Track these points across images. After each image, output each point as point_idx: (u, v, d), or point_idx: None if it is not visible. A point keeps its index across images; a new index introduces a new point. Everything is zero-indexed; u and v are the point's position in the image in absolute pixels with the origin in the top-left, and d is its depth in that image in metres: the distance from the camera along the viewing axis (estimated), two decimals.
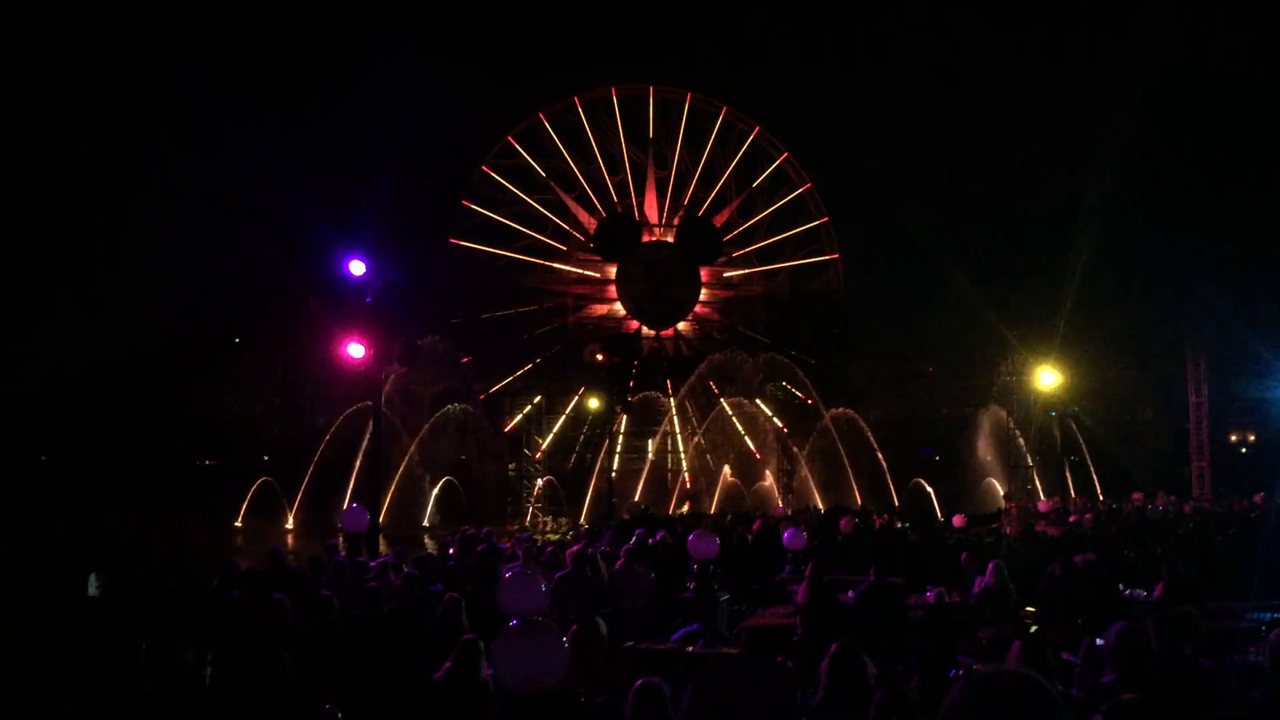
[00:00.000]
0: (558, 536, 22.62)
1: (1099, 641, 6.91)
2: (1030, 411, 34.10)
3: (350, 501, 13.42)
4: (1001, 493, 31.99)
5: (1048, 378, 29.31)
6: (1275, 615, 9.65)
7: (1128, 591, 10.91)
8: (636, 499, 32.04)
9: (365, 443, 31.68)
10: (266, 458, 36.85)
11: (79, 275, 35.88)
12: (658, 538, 15.49)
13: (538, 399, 43.75)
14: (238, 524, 32.19)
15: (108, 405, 36.02)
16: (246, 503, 33.45)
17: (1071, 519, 21.51)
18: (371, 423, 30.69)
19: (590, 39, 43.33)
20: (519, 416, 43.23)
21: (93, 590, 10.32)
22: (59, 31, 33.59)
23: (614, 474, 35.98)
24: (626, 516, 24.30)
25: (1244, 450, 43.96)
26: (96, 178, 35.43)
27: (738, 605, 12.12)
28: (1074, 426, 34.18)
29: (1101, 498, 30.23)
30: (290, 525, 32.08)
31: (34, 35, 33.17)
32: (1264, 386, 35.37)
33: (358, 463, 31.33)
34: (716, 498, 36.59)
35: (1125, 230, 30.80)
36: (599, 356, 39.47)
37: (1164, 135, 30.81)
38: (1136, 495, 26.09)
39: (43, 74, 33.50)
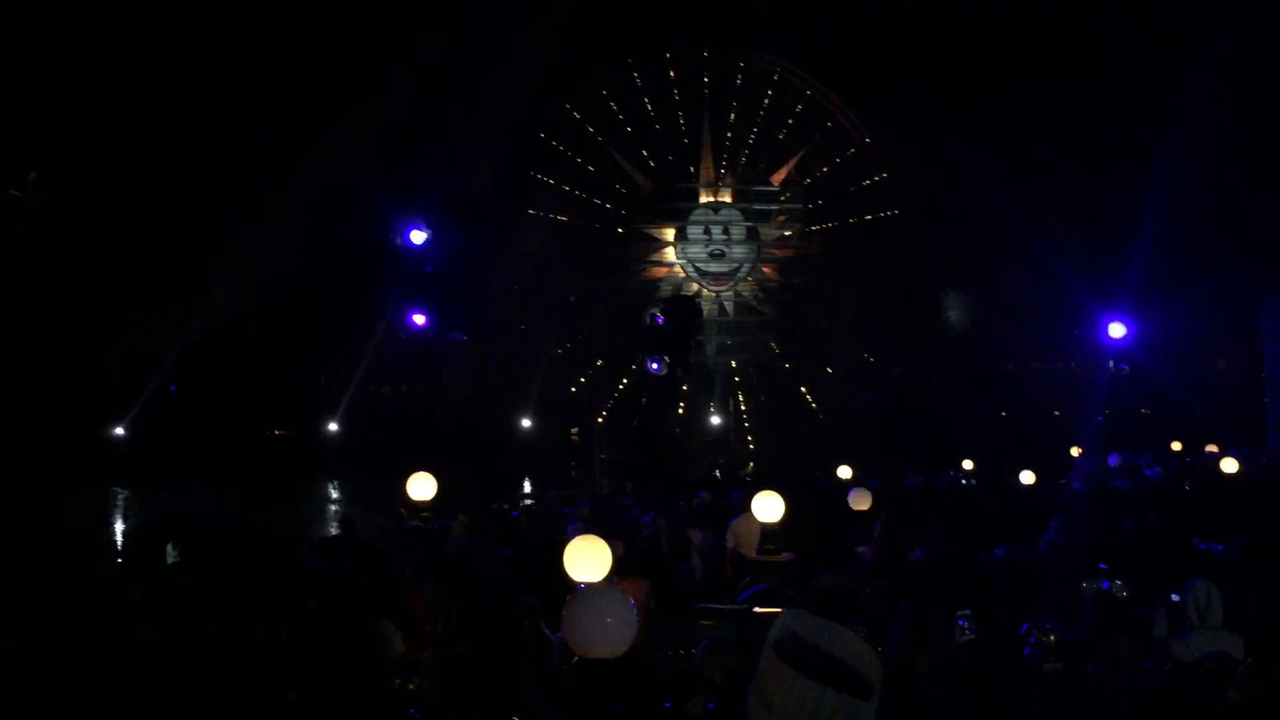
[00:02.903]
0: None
1: (1175, 598, 6.81)
2: (1099, 364, 33.44)
3: (417, 469, 13.59)
4: (1071, 448, 31.49)
5: (1117, 329, 28.71)
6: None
7: (1203, 546, 10.72)
8: (701, 461, 32.12)
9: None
10: (335, 427, 37.39)
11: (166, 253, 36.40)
12: (734, 498, 15.56)
13: (599, 362, 43.90)
14: (306, 494, 32.76)
15: (186, 379, 36.78)
16: (316, 473, 34.10)
17: (1145, 472, 21.16)
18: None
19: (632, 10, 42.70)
20: (581, 379, 43.44)
21: (171, 560, 10.60)
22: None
23: (677, 435, 36.05)
24: (692, 478, 24.38)
25: None
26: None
27: (803, 566, 12.10)
28: (1144, 378, 33.49)
29: (1174, 450, 29.65)
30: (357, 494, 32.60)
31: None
32: None
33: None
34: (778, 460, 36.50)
35: (1201, 176, 29.93)
36: (658, 319, 39.42)
37: (1245, 72, 29.71)
38: (1211, 447, 25.53)
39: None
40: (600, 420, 40.31)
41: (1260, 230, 30.21)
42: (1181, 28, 30.61)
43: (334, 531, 17.74)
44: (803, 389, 44.70)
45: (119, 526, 25.00)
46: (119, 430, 36.43)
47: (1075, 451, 26.78)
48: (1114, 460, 23.09)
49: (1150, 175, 30.32)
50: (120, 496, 31.31)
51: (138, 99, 34.47)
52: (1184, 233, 31.71)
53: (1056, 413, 37.16)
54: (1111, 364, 32.53)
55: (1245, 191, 30.37)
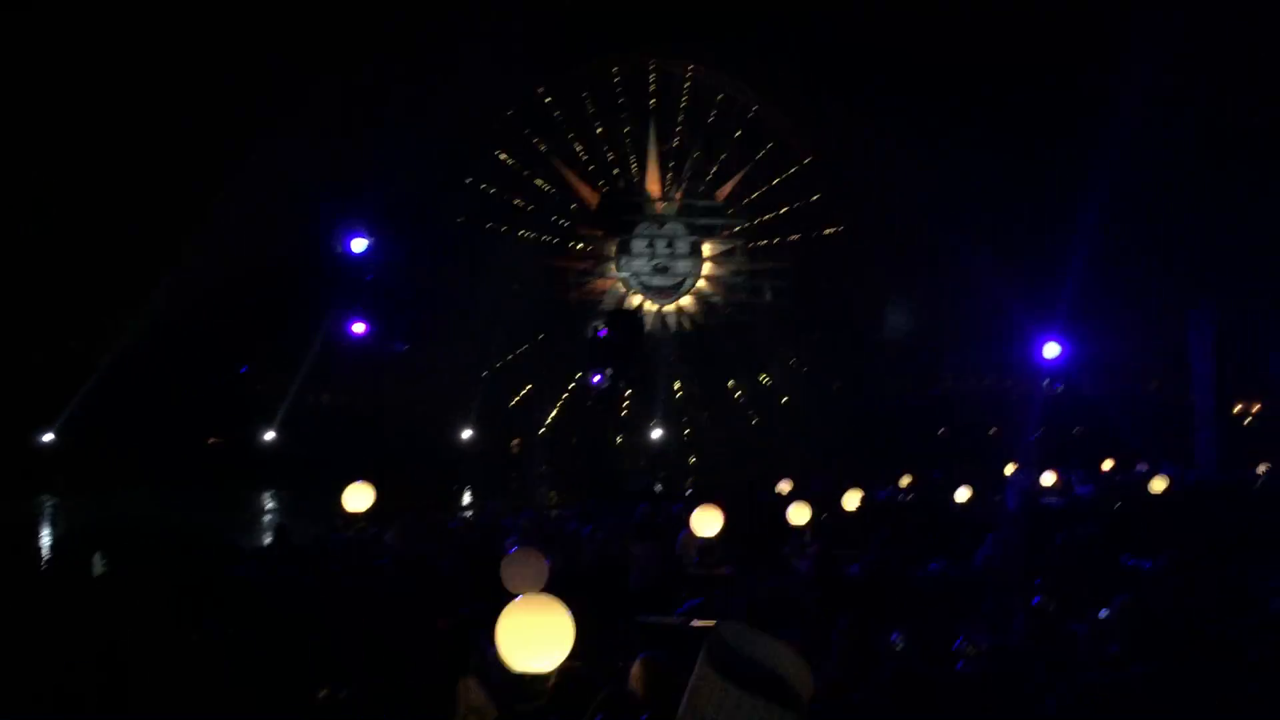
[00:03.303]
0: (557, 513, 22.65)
1: (1103, 613, 6.92)
2: (1034, 383, 34.00)
3: (354, 479, 13.44)
4: (1005, 465, 31.96)
5: (1052, 349, 29.20)
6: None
7: (1131, 562, 10.92)
8: (642, 474, 32.11)
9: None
10: (272, 435, 36.87)
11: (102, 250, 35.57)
12: (674, 511, 15.63)
13: (541, 374, 43.74)
14: (242, 503, 32.23)
15: (118, 386, 36.00)
16: (253, 482, 33.54)
17: (1076, 490, 21.53)
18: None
19: (589, 13, 42.67)
20: (522, 392, 43.23)
21: (97, 570, 10.38)
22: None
23: (618, 448, 36.01)
24: (632, 492, 24.37)
25: (1248, 421, 43.87)
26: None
27: (741, 580, 12.14)
28: (1077, 398, 34.09)
29: (1105, 469, 30.22)
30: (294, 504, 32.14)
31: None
32: (1271, 356, 35.15)
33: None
34: (720, 472, 36.62)
35: (1133, 197, 30.55)
36: (601, 332, 39.39)
37: (1180, 94, 30.35)
38: (1140, 466, 26.04)
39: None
40: (541, 432, 40.18)
41: (1189, 251, 30.87)
42: (1113, 49, 31.23)
43: (268, 542, 17.48)
44: (742, 401, 44.91)
45: (46, 535, 24.41)
46: (48, 436, 35.58)
47: (1009, 469, 27.15)
48: (1047, 477, 23.47)
49: (1084, 196, 30.91)
50: (48, 504, 30.57)
51: (66, 101, 33.79)
52: (1116, 254, 32.35)
53: (992, 430, 37.68)
54: (1046, 383, 33.10)
55: (1176, 213, 31.03)
